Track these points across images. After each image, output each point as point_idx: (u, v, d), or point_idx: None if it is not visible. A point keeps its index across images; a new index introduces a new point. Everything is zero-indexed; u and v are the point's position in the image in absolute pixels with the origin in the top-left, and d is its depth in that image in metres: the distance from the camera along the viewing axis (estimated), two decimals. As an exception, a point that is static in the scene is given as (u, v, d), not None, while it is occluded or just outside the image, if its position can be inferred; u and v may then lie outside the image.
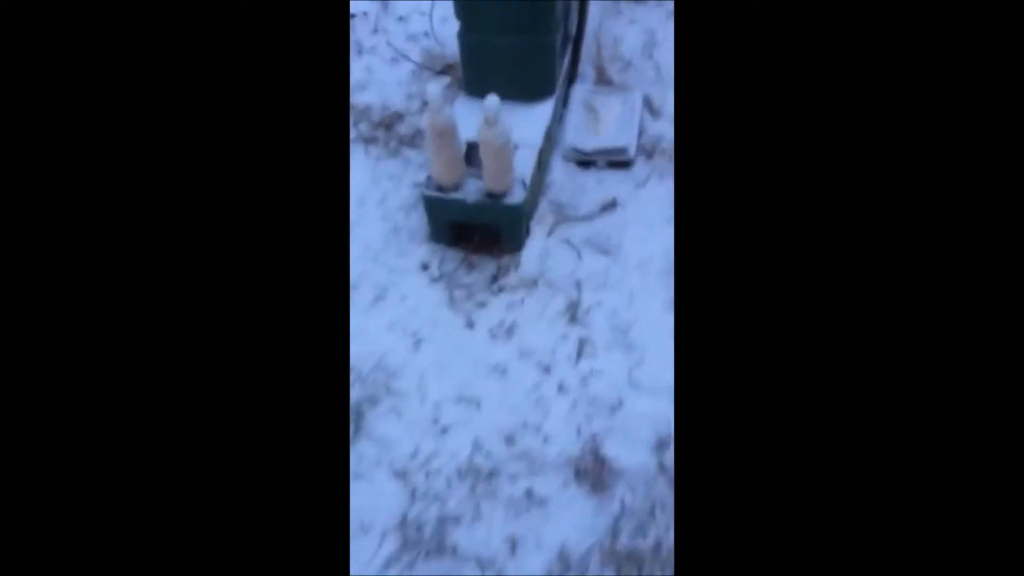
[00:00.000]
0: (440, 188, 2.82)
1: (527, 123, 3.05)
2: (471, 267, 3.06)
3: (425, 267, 3.06)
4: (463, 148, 2.70)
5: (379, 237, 3.16)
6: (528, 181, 2.87)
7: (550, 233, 3.12)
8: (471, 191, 2.78)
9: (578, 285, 2.94)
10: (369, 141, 3.64)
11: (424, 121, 2.51)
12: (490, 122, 2.44)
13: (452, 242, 3.13)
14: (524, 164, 2.93)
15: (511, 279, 2.99)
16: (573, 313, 2.83)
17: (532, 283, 2.96)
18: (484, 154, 2.61)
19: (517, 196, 2.80)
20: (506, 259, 3.06)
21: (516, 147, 2.97)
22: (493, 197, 2.78)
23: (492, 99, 2.40)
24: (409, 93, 3.89)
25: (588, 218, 3.15)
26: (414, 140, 3.64)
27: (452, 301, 2.92)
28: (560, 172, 3.33)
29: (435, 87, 2.41)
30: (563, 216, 3.18)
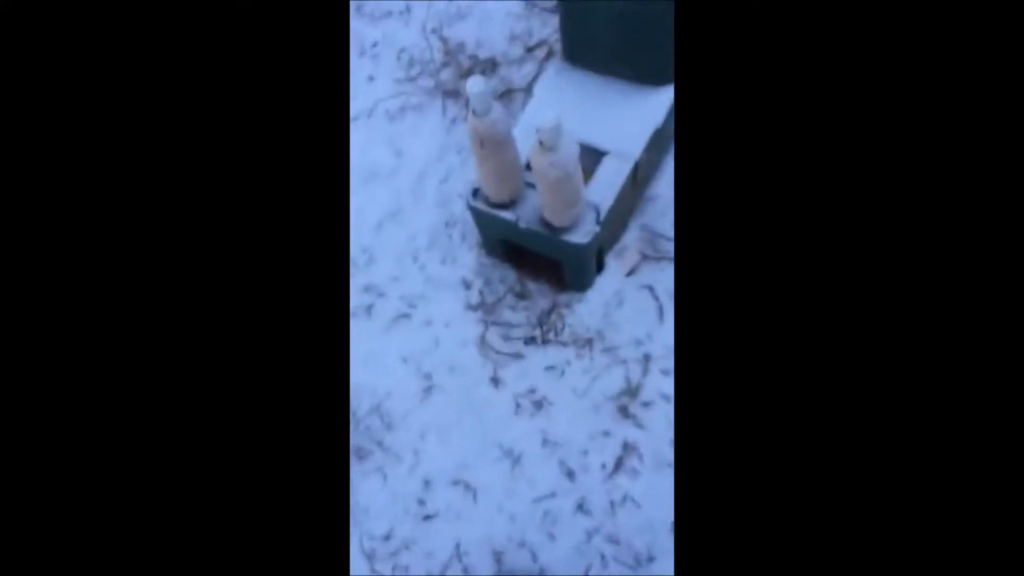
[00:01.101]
0: (489, 202, 2.14)
1: (630, 118, 2.21)
2: (521, 297, 2.41)
3: (467, 285, 2.45)
4: (520, 156, 1.96)
5: (427, 230, 2.58)
6: (605, 210, 2.10)
7: (631, 272, 2.35)
8: (527, 212, 2.07)
9: (646, 360, 2.20)
10: (449, 95, 2.95)
11: (466, 125, 1.80)
12: (546, 146, 1.68)
13: (507, 259, 2.48)
14: (607, 183, 2.14)
15: (563, 328, 2.31)
16: (627, 402, 2.13)
17: (586, 342, 2.26)
18: (538, 182, 1.88)
19: (583, 233, 2.05)
20: (567, 296, 2.36)
21: (602, 158, 2.18)
22: (552, 229, 2.06)
23: (550, 117, 1.63)
24: (513, 33, 3.08)
25: None
26: (504, 98, 2.90)
27: (483, 343, 2.32)
28: (669, 183, 2.47)
29: (476, 82, 1.68)
30: (656, 251, 2.37)
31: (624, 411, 2.12)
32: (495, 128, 1.78)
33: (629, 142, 2.17)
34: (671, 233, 2.38)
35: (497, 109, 1.77)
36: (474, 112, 1.74)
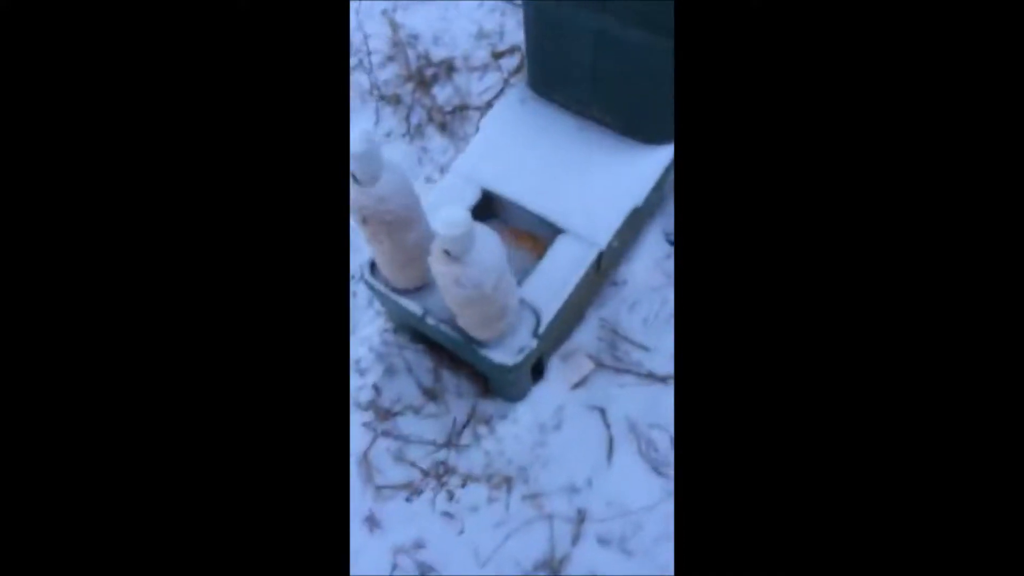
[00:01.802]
0: (390, 284, 1.53)
1: (605, 186, 1.59)
2: (430, 398, 1.80)
3: (361, 372, 1.84)
4: (427, 234, 1.34)
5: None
6: (547, 320, 1.50)
7: (578, 385, 1.76)
8: (439, 305, 1.45)
9: (580, 520, 1.62)
10: (388, 101, 2.30)
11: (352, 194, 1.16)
12: (451, 255, 1.06)
13: (419, 339, 1.87)
14: (559, 275, 1.53)
15: (475, 455, 1.71)
16: None
17: (504, 481, 1.67)
18: (444, 295, 1.26)
19: (510, 351, 1.45)
20: (492, 404, 1.76)
21: (558, 236, 1.57)
22: (468, 339, 1.45)
23: (457, 217, 1.01)
24: (482, 30, 2.43)
25: (658, 378, 1.76)
26: (456, 116, 2.26)
27: (365, 462, 1.72)
28: (646, 266, 1.87)
29: (361, 138, 1.05)
30: (615, 359, 1.78)
31: None
32: (384, 206, 1.15)
33: (596, 223, 1.56)
34: (638, 336, 1.79)
35: (390, 180, 1.14)
36: (355, 179, 1.11)
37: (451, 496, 1.60)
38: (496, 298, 1.20)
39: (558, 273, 1.54)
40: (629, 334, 1.80)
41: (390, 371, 1.83)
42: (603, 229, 1.56)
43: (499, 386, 1.69)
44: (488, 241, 1.09)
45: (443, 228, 0.99)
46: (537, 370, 1.72)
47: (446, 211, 0.99)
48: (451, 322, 1.44)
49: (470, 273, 1.09)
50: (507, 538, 1.61)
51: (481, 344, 1.45)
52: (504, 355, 1.45)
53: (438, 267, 1.12)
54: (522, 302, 1.46)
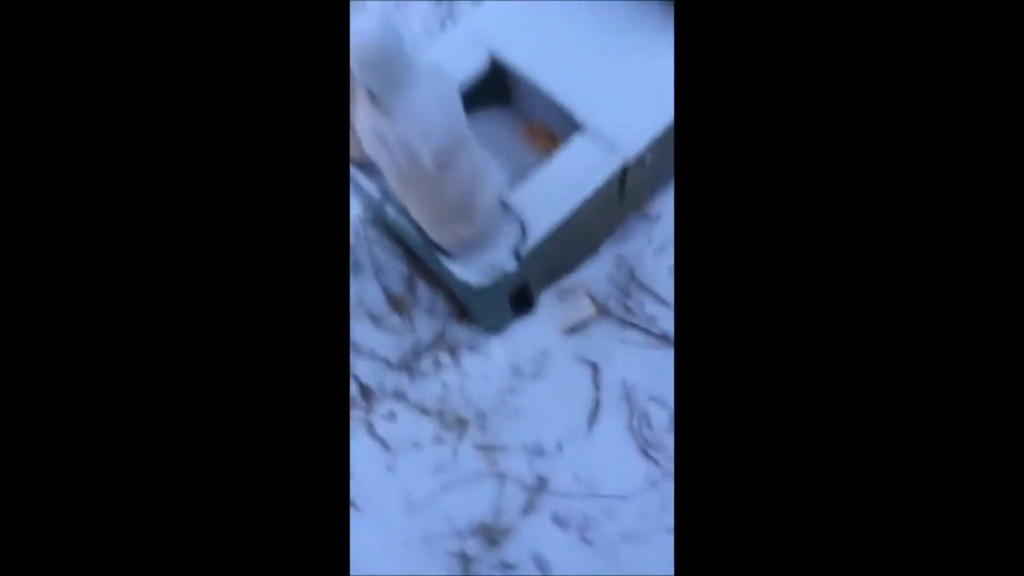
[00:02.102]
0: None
1: (659, 76, 1.19)
2: (397, 308, 1.51)
3: None
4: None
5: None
6: (538, 235, 1.16)
7: (573, 329, 1.42)
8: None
9: (538, 486, 1.32)
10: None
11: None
12: (374, 97, 0.72)
13: (397, 242, 1.57)
14: (565, 183, 1.17)
15: (431, 385, 1.42)
16: (480, 550, 1.28)
17: (458, 423, 1.39)
18: (375, 160, 0.92)
19: (479, 269, 1.12)
20: (464, 332, 1.46)
21: (573, 134, 1.21)
22: (430, 242, 1.14)
23: (368, 21, 0.65)
24: None
25: (672, 342, 1.41)
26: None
27: None
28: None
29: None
30: (626, 310, 1.43)
31: (466, 565, 1.28)
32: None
33: (627, 125, 1.17)
34: (660, 287, 1.42)
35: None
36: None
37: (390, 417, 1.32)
38: (447, 184, 0.86)
39: (564, 181, 1.18)
40: (649, 282, 1.44)
41: (355, 268, 1.54)
42: (634, 135, 1.18)
43: (472, 311, 1.37)
44: (433, 85, 0.74)
45: (354, 39, 0.64)
46: (522, 301, 1.39)
47: (359, 18, 0.64)
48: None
49: (400, 130, 0.75)
50: (445, 489, 1.34)
51: (445, 252, 1.12)
52: (470, 272, 1.12)
53: (362, 119, 0.78)
54: (506, 208, 1.12)
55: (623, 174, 1.21)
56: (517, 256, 1.12)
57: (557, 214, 1.16)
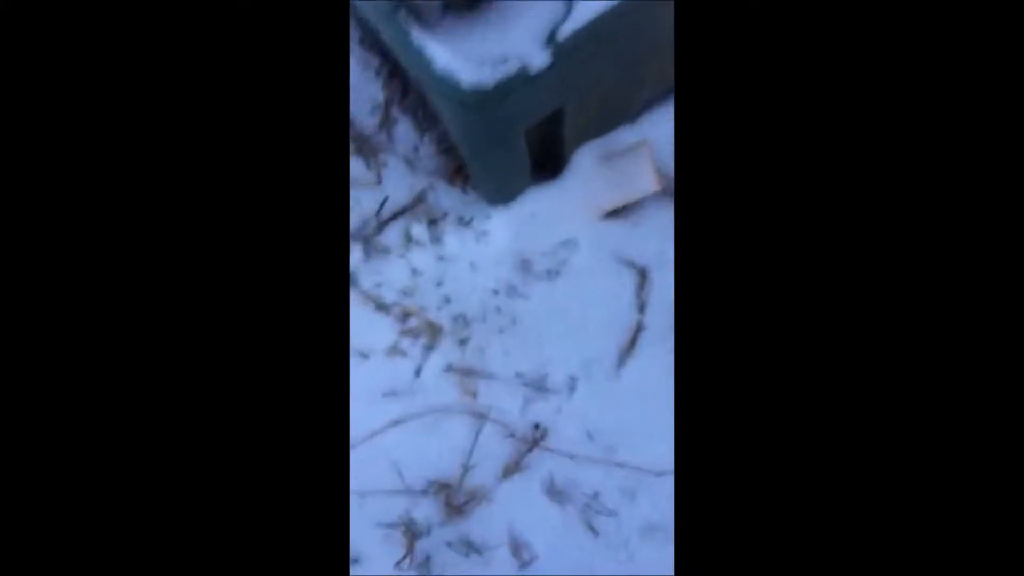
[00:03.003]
0: None
1: None
2: (358, 152, 1.02)
3: None
4: None
5: None
6: (580, 23, 0.62)
7: (616, 214, 0.93)
8: None
9: (535, 437, 0.88)
10: None
11: None
12: None
13: (384, 58, 1.04)
14: None
15: (394, 269, 0.95)
16: (435, 502, 0.87)
17: (426, 331, 0.93)
18: None
19: (477, 63, 0.60)
20: (465, 197, 0.98)
21: None
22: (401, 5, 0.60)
23: None
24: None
25: None
26: None
27: None
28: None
29: None
30: None
31: (411, 537, 0.86)
32: None
33: None
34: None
35: None
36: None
37: None
38: None
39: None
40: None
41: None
42: None
43: (468, 160, 0.87)
44: None
45: None
46: (548, 152, 0.89)
47: None
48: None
49: None
50: (397, 424, 0.90)
51: (425, 26, 0.61)
52: (464, 64, 0.61)
53: None
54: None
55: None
56: (553, 44, 0.61)
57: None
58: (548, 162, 0.90)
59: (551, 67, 0.62)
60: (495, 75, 0.60)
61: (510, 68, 0.60)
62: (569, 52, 0.63)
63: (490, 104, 0.62)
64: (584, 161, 0.94)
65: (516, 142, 0.75)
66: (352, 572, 0.89)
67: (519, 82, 0.61)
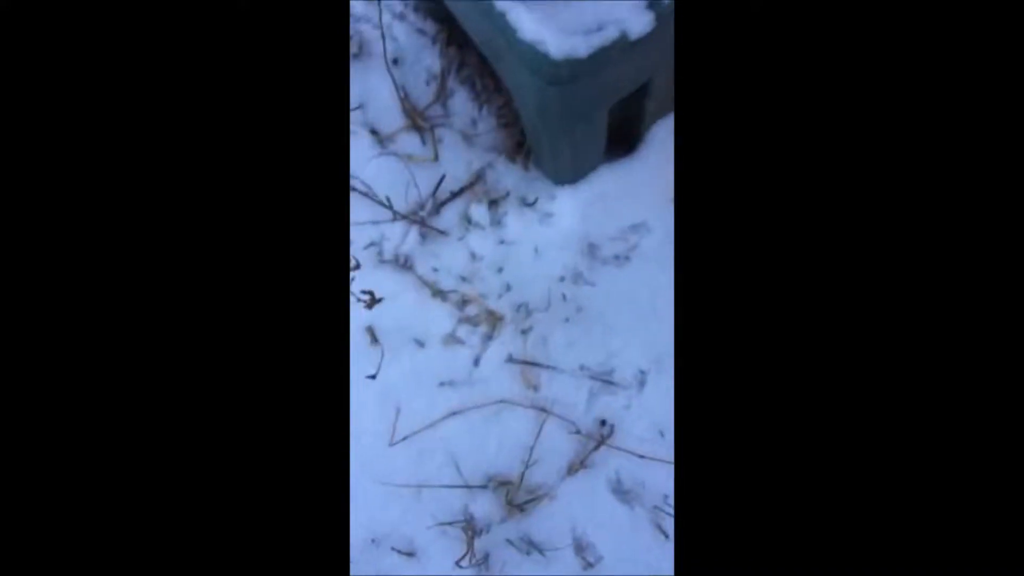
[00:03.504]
0: None
1: None
2: (413, 126, 0.95)
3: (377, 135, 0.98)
4: None
5: None
6: None
7: None
8: None
9: (601, 436, 0.83)
10: None
11: None
12: None
13: (441, 21, 0.97)
14: None
15: (452, 252, 0.90)
16: (496, 503, 0.83)
17: (487, 319, 0.88)
18: None
19: (574, 33, 0.52)
20: (527, 175, 0.92)
21: None
22: None
23: None
24: None
25: None
26: None
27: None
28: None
29: None
30: None
31: (471, 534, 0.82)
32: None
33: None
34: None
35: None
36: None
37: (372, 301, 0.81)
38: None
39: None
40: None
41: (357, 56, 0.97)
42: None
43: (537, 129, 0.80)
44: None
45: None
46: (624, 133, 0.82)
47: None
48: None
49: None
50: (454, 416, 0.86)
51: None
52: (554, 33, 0.54)
53: None
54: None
55: None
56: (656, 6, 0.54)
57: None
58: (623, 139, 0.83)
59: (652, 32, 0.54)
60: (589, 44, 0.53)
61: (607, 36, 0.53)
62: (671, 15, 0.55)
63: (583, 76, 0.55)
64: (659, 138, 0.87)
65: (599, 118, 0.68)
66: (408, 567, 0.86)
67: (617, 50, 0.54)
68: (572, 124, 0.67)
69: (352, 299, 0.80)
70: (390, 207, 0.89)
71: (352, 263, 0.78)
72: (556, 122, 0.67)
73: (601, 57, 0.53)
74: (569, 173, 0.84)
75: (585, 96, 0.60)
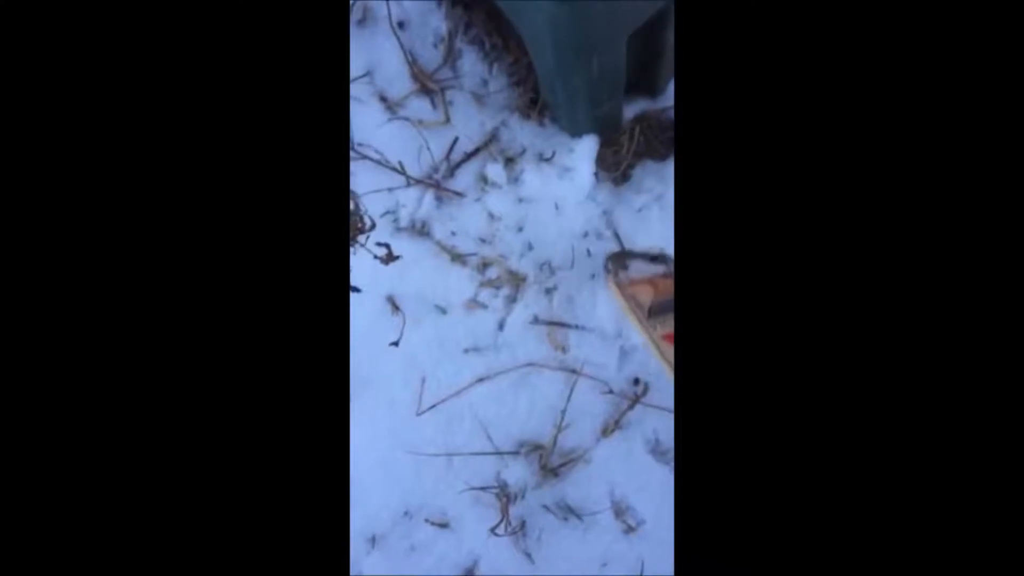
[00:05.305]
0: None
1: None
2: (422, 88, 0.93)
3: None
4: None
5: None
6: None
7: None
8: None
9: (636, 394, 0.80)
10: None
11: None
12: None
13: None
14: None
15: (469, 214, 0.87)
16: (530, 469, 0.80)
17: (509, 280, 0.85)
18: None
19: None
20: (535, 127, 0.88)
21: None
22: None
23: None
24: None
25: None
26: None
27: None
28: None
29: None
30: None
31: (506, 500, 0.80)
32: None
33: None
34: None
35: None
36: None
37: (389, 257, 0.79)
38: None
39: None
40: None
41: (366, 20, 0.94)
42: None
43: (549, 70, 0.77)
44: None
45: None
46: (643, 73, 0.78)
47: None
48: None
49: None
50: (481, 382, 0.83)
51: None
52: None
53: None
54: None
55: None
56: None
57: None
58: (643, 81, 0.79)
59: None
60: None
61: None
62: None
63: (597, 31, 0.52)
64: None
65: (616, 48, 0.64)
66: (443, 536, 0.84)
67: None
68: (588, 55, 0.63)
69: (368, 256, 0.78)
70: (403, 172, 0.86)
71: (367, 223, 0.75)
72: (571, 54, 0.64)
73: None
74: (587, 121, 0.81)
75: (599, 18, 0.57)
